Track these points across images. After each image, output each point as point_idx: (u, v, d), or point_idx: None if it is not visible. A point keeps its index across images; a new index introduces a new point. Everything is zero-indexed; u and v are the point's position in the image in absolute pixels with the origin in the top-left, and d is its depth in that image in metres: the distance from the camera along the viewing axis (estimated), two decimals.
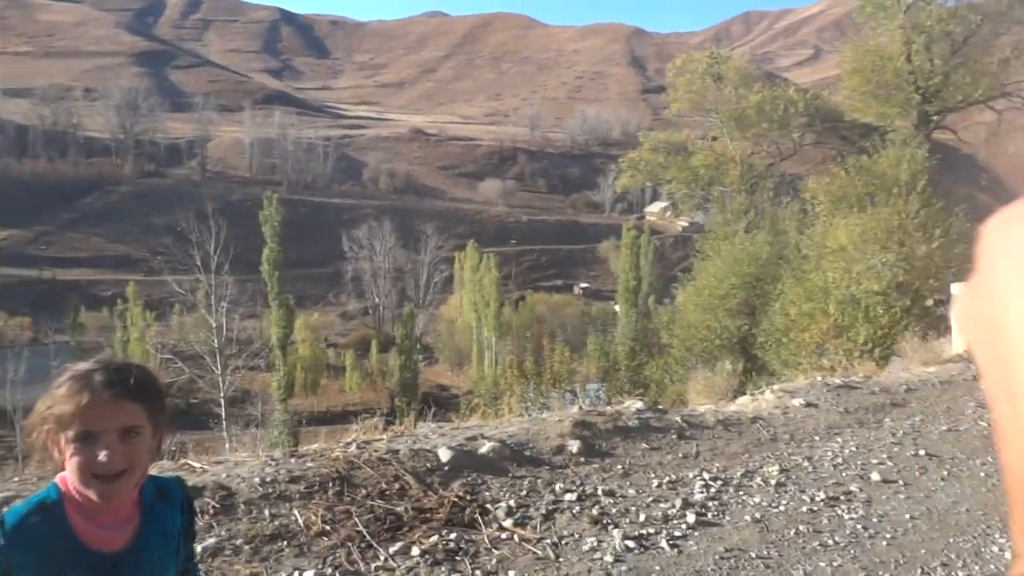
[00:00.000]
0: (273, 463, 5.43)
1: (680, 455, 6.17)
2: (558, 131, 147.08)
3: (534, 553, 4.48)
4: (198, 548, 4.39)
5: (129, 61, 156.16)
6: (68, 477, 1.76)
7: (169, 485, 1.98)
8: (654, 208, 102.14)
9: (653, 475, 5.76)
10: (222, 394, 33.82)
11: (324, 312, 78.92)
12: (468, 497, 5.15)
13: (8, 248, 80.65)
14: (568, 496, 5.30)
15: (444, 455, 5.60)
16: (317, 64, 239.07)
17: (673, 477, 5.73)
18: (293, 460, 5.51)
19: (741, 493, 5.52)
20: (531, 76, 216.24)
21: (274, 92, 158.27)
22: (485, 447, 5.79)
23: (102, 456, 1.67)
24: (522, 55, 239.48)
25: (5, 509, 1.80)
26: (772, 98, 31.12)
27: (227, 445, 33.38)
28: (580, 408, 6.70)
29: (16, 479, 5.24)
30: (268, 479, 5.13)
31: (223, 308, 34.27)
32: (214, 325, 34.05)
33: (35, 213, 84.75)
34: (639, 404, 7.01)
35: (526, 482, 5.45)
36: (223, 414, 33.87)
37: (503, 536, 4.67)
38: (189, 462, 5.66)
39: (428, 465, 5.50)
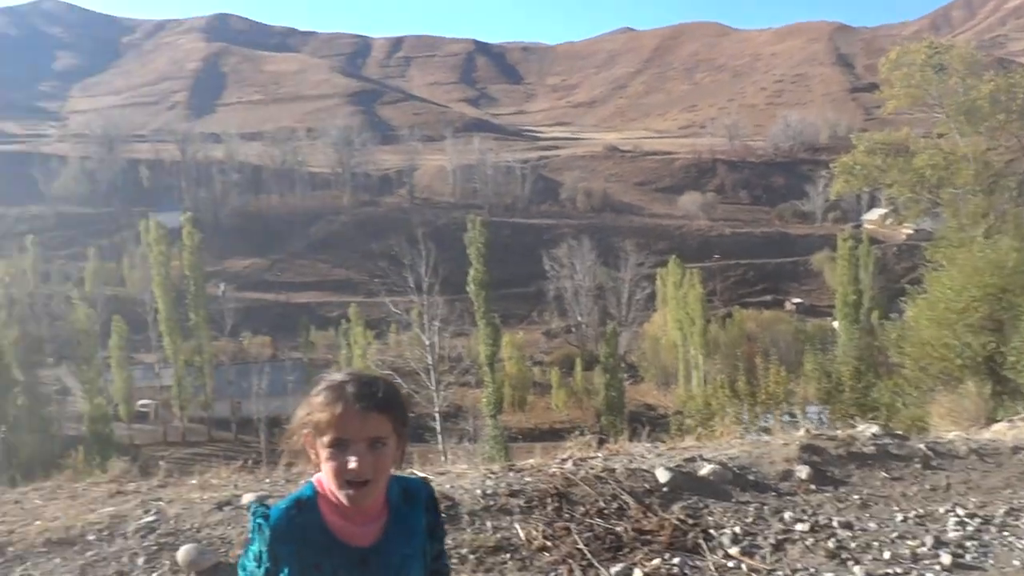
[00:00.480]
0: (493, 476, 5.52)
1: (927, 487, 5.59)
2: (759, 139, 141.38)
3: None
4: None
5: (344, 101, 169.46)
6: (323, 479, 1.92)
7: (414, 486, 2.10)
8: (872, 215, 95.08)
9: (896, 508, 5.25)
10: (436, 409, 35.34)
11: (528, 330, 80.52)
12: (690, 521, 4.95)
13: (250, 276, 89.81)
14: (799, 526, 4.95)
15: (662, 476, 5.43)
16: (511, 90, 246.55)
17: (920, 511, 5.19)
18: (511, 474, 5.58)
19: (1006, 534, 4.89)
20: (727, 84, 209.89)
21: (472, 120, 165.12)
22: (705, 469, 5.56)
23: (352, 464, 1.83)
24: (716, 63, 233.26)
25: (256, 504, 1.99)
26: (1008, 86, 27.87)
27: (443, 458, 35.02)
28: (807, 431, 6.26)
29: (267, 480, 5.71)
30: (489, 491, 5.22)
31: (435, 327, 35.87)
32: (427, 343, 35.71)
33: (270, 243, 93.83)
34: (874, 429, 6.45)
35: (751, 508, 5.16)
36: (438, 428, 35.43)
37: (730, 564, 4.44)
38: (414, 471, 5.90)
39: (646, 486, 5.36)
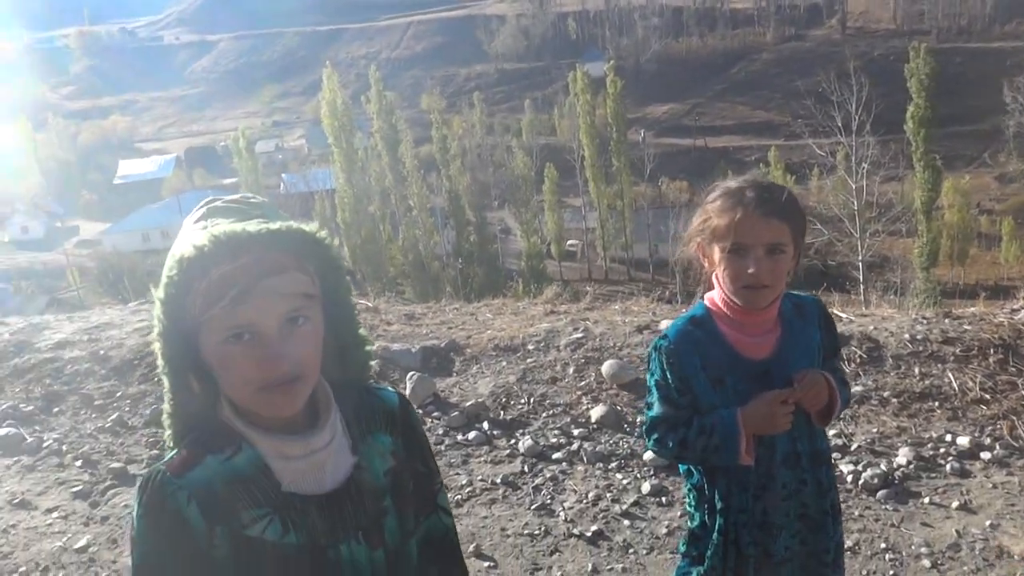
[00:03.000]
0: (924, 321, 5.09)
1: None
2: None
3: None
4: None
5: None
6: (715, 292, 1.91)
7: (808, 302, 2.03)
8: None
9: None
10: (860, 258, 33.13)
11: (977, 174, 70.10)
12: None
13: (669, 120, 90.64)
14: None
15: None
16: None
17: None
18: (947, 320, 5.08)
19: None
20: None
21: None
22: None
23: (751, 268, 1.78)
24: None
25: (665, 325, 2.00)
26: None
27: (864, 309, 33.05)
28: None
29: (683, 308, 5.95)
30: (919, 336, 4.84)
31: (863, 170, 33.03)
32: (854, 187, 33.17)
33: (689, 87, 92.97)
34: None
35: None
36: (861, 278, 33.33)
37: None
38: (835, 311, 5.67)
39: None
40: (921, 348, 4.72)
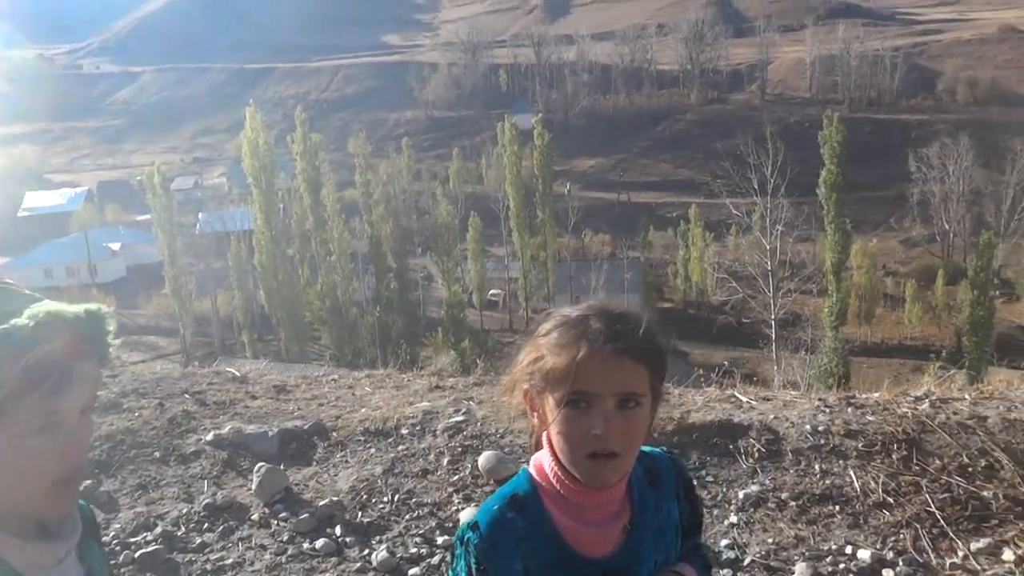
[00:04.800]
0: (827, 410, 4.78)
1: None
2: None
3: None
4: (740, 494, 4.05)
5: None
6: (545, 457, 1.40)
7: (661, 464, 1.53)
8: None
9: None
10: (773, 316, 33.78)
11: (883, 238, 73.31)
12: None
13: (594, 174, 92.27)
14: None
15: None
16: None
17: None
18: (850, 410, 4.78)
19: None
20: None
21: (838, 5, 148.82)
22: None
23: (597, 428, 1.29)
24: None
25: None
26: None
27: (775, 367, 33.67)
28: None
29: None
30: (820, 428, 4.52)
31: (778, 231, 33.88)
32: (768, 247, 33.95)
33: (615, 142, 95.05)
34: None
35: None
36: (773, 335, 33.97)
37: None
38: (737, 394, 5.34)
39: None
40: (823, 441, 4.40)
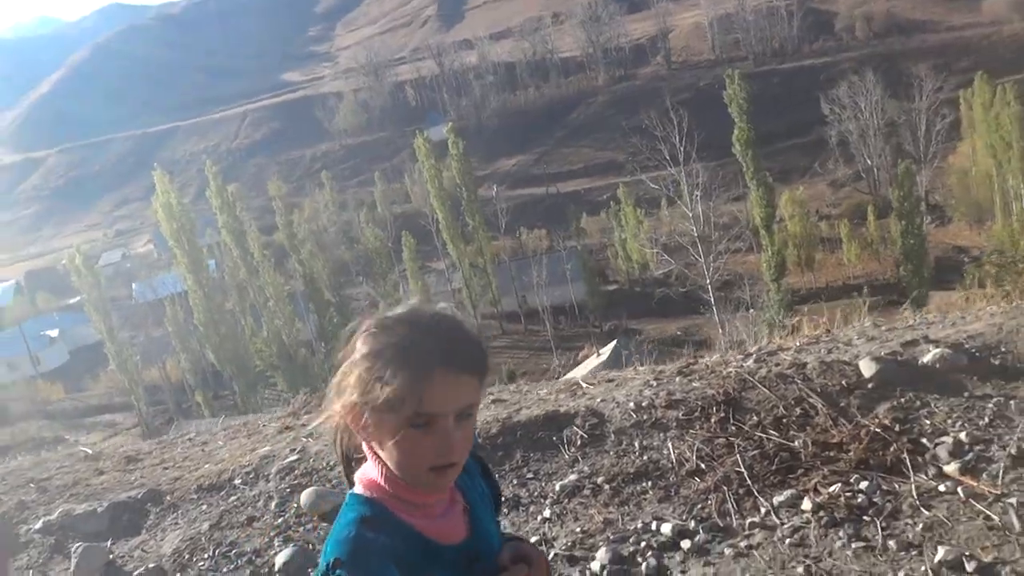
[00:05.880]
0: (655, 384, 4.72)
1: None
2: None
3: (985, 517, 3.03)
4: (557, 486, 3.95)
5: None
6: (374, 471, 1.39)
7: None
8: None
9: None
10: (708, 281, 34.12)
11: (811, 184, 74.65)
12: (897, 428, 3.79)
13: (519, 172, 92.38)
14: None
15: (867, 368, 4.25)
16: None
17: None
18: (678, 379, 4.73)
19: None
20: None
21: None
22: (929, 355, 4.26)
23: (442, 446, 1.31)
24: None
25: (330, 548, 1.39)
26: None
27: (720, 330, 33.96)
28: None
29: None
30: (644, 403, 4.45)
31: (696, 197, 34.25)
32: (691, 214, 34.30)
33: (533, 137, 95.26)
34: None
35: (991, 404, 3.83)
36: (711, 300, 34.30)
37: (941, 488, 3.28)
38: (580, 383, 5.26)
39: (844, 383, 4.23)
40: (645, 417, 4.32)
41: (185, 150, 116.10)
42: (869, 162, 70.54)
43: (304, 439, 5.04)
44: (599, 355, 36.12)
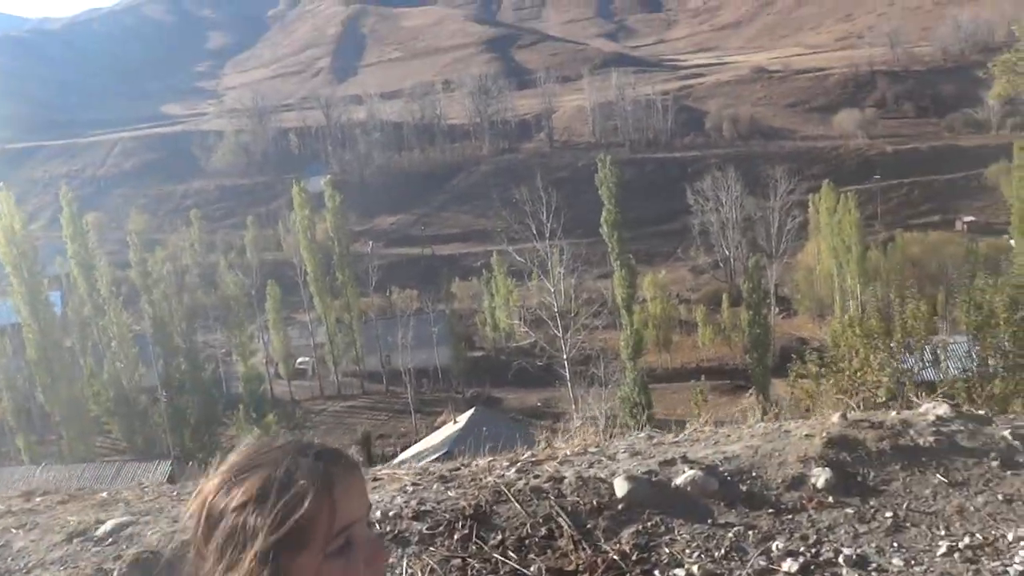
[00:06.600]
0: (410, 490, 4.43)
1: (999, 497, 3.94)
2: (924, 45, 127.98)
3: None
4: None
5: (480, 49, 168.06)
6: None
7: None
8: None
9: (943, 532, 3.69)
10: (565, 355, 34.56)
11: (673, 268, 78.00)
12: (635, 556, 3.65)
13: (397, 231, 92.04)
14: (788, 562, 3.53)
15: (621, 487, 4.13)
16: (651, 19, 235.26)
17: (979, 537, 3.61)
18: (437, 485, 4.46)
19: None
20: None
21: (611, 55, 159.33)
22: (682, 476, 4.19)
23: (376, 544, 1.27)
24: None
25: None
26: None
27: (572, 406, 34.38)
28: (844, 417, 4.68)
29: (144, 502, 4.89)
30: (392, 512, 4.13)
31: (559, 273, 34.91)
32: (552, 289, 34.87)
33: (415, 198, 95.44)
34: (943, 409, 4.75)
35: (731, 534, 3.77)
36: (567, 374, 34.71)
37: None
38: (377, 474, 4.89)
39: (596, 502, 4.08)
40: (389, 528, 4.01)
41: (46, 171, 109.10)
42: (727, 252, 74.50)
43: (17, 529, 4.42)
44: (456, 422, 35.71)
